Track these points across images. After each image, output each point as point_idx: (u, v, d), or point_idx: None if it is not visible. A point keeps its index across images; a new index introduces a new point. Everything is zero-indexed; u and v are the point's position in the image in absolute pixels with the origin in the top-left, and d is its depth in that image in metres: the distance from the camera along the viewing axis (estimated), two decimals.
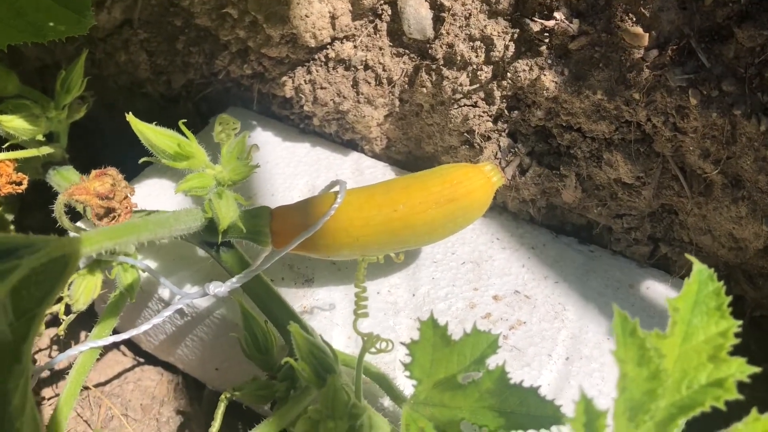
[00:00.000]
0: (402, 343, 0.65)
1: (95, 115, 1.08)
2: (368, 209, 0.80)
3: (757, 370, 0.46)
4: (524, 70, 0.89)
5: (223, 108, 1.23)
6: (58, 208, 0.74)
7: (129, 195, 0.77)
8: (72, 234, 0.83)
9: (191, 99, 1.24)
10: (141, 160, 0.79)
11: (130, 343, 1.11)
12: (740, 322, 0.49)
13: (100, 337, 0.83)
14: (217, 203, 0.76)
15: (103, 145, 1.31)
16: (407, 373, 0.63)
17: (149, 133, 0.77)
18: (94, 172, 0.76)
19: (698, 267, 0.53)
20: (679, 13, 0.80)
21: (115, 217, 0.75)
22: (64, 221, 0.76)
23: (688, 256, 0.54)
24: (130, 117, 0.76)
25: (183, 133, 0.79)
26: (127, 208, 0.77)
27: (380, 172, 1.10)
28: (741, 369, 0.46)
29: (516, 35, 0.90)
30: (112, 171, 0.77)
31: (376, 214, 0.79)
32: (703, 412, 0.47)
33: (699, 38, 0.80)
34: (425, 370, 0.62)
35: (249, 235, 0.81)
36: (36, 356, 1.08)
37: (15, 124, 0.91)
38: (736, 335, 0.48)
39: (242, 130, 1.17)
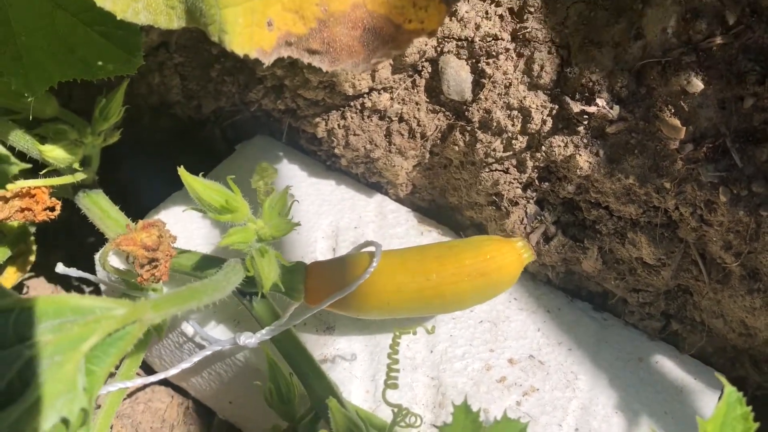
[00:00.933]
0: (434, 426, 0.67)
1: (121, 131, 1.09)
2: (401, 276, 0.82)
3: None
4: (559, 146, 0.92)
5: (250, 135, 1.24)
6: (103, 257, 0.76)
7: (172, 243, 0.79)
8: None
9: (219, 124, 1.25)
10: (184, 210, 0.81)
11: (143, 365, 1.13)
12: None
13: (128, 375, 0.85)
14: (260, 263, 0.77)
15: (125, 156, 1.32)
16: None
17: (197, 186, 0.78)
18: (141, 223, 0.78)
19: (729, 389, 0.55)
20: (718, 112, 0.83)
21: (157, 265, 0.77)
22: (107, 266, 0.78)
23: (717, 375, 0.57)
24: (181, 171, 0.78)
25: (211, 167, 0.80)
26: (168, 255, 0.79)
27: (403, 217, 1.12)
28: None
29: (555, 111, 0.92)
30: (159, 223, 0.78)
31: (409, 282, 0.82)
32: None
33: (734, 138, 0.82)
34: None
35: (286, 292, 0.83)
36: None
37: (55, 154, 0.92)
38: None
39: (268, 160, 1.19)
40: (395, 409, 0.73)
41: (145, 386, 1.12)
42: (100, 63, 0.85)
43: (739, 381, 1.01)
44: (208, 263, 0.88)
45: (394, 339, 0.76)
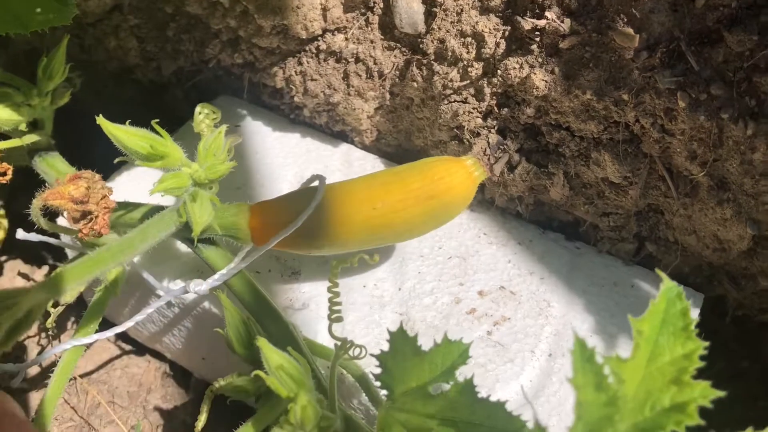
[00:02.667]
0: (372, 355, 0.65)
1: (84, 100, 1.07)
2: (347, 207, 0.79)
3: (720, 394, 0.46)
4: (515, 68, 0.89)
5: (213, 96, 1.22)
6: (34, 211, 0.74)
7: (107, 195, 0.77)
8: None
9: (181, 86, 1.24)
10: (116, 161, 0.79)
11: (121, 334, 1.11)
12: (706, 344, 0.49)
13: (86, 333, 0.83)
14: (191, 207, 0.75)
15: (92, 131, 1.30)
16: (378, 383, 0.63)
17: (120, 134, 0.76)
18: (68, 176, 0.75)
19: (667, 284, 0.52)
20: (670, 16, 0.79)
21: (92, 219, 0.75)
22: (41, 222, 0.76)
23: (658, 271, 0.54)
24: (100, 119, 0.75)
25: (174, 129, 0.79)
26: (105, 208, 0.76)
27: (370, 164, 1.09)
28: (704, 393, 0.46)
29: (507, 33, 0.89)
30: (87, 173, 0.76)
31: (356, 213, 0.79)
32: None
33: (689, 41, 0.79)
34: (397, 378, 0.62)
35: (226, 234, 0.81)
36: (25, 342, 1.09)
37: None
38: (702, 358, 0.48)
39: (232, 118, 1.17)
40: (338, 342, 0.70)
41: (121, 354, 1.11)
42: (33, 14, 0.83)
43: (719, 301, 0.98)
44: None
45: (332, 270, 0.74)
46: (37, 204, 0.72)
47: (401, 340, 0.61)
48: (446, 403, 0.58)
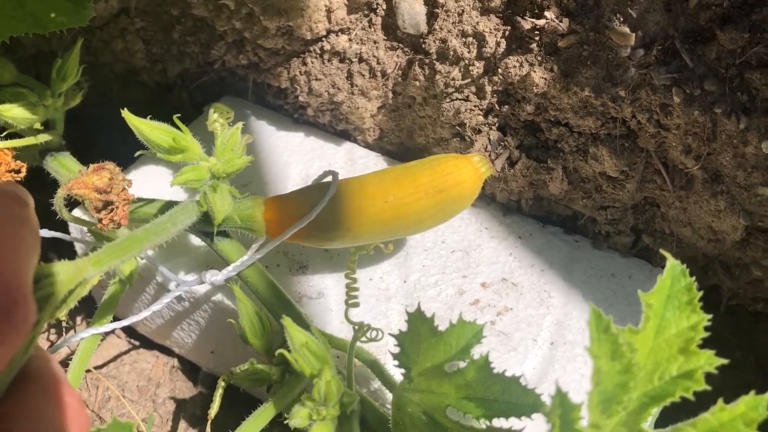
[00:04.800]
0: (391, 335, 0.68)
1: (90, 102, 1.10)
2: (360, 200, 0.82)
3: (724, 361, 0.49)
4: (515, 67, 0.92)
5: (218, 97, 1.24)
6: (58, 201, 0.77)
7: (126, 187, 0.79)
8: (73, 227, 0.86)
9: (186, 88, 1.26)
10: (137, 154, 0.81)
11: (125, 326, 1.13)
12: (710, 316, 0.52)
13: (100, 324, 0.85)
14: (212, 197, 0.78)
15: (98, 132, 1.32)
16: (396, 363, 0.66)
17: (144, 127, 0.79)
18: (92, 166, 0.78)
19: (671, 263, 0.55)
20: (665, 15, 0.83)
21: (113, 209, 0.77)
22: (64, 213, 0.78)
23: (662, 251, 0.57)
24: (125, 113, 0.78)
25: (177, 126, 0.81)
26: (125, 200, 0.79)
27: (372, 162, 1.12)
28: (709, 361, 0.49)
29: (507, 32, 0.92)
30: (110, 165, 0.78)
31: (369, 205, 0.82)
32: (675, 402, 0.50)
33: (683, 39, 0.83)
34: (413, 359, 0.65)
35: (243, 226, 0.83)
36: None
37: (13, 113, 0.92)
38: (706, 328, 0.51)
39: (237, 119, 1.19)
40: (356, 326, 0.73)
41: (130, 349, 1.13)
42: (50, 16, 0.85)
43: (713, 290, 1.02)
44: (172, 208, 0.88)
45: (351, 257, 0.76)
46: (61, 194, 0.75)
47: (419, 321, 0.64)
48: (462, 380, 0.61)
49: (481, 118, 0.98)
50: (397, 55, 1.03)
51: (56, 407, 0.44)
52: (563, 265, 0.98)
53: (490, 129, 0.99)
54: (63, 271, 0.54)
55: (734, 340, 1.04)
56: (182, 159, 0.80)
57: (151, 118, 0.81)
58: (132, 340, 1.13)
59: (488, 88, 0.96)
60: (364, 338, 0.73)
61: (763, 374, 1.04)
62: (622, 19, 0.85)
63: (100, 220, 0.78)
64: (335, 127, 1.15)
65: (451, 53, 0.96)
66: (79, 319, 1.14)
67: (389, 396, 0.80)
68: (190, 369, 1.11)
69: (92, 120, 1.29)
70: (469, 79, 0.96)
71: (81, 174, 0.76)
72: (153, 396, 1.06)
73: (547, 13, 0.87)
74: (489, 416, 0.59)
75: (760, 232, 0.90)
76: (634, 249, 1.00)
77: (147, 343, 1.13)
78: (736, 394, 0.50)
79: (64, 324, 1.11)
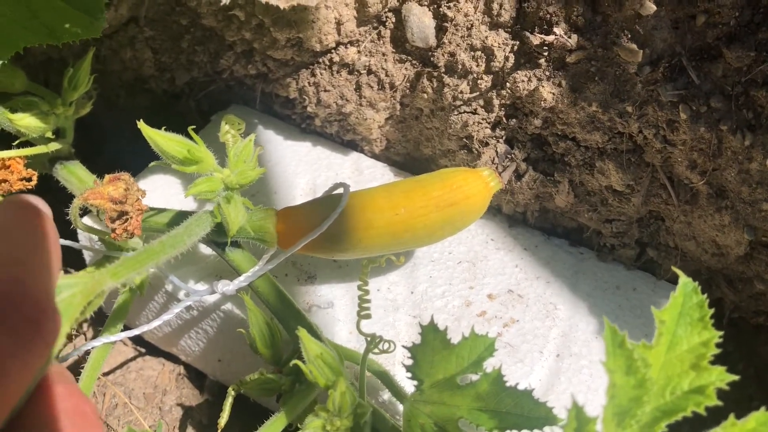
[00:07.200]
0: (404, 347, 0.69)
1: (97, 110, 1.11)
2: (370, 213, 0.83)
3: (735, 378, 0.51)
4: (523, 81, 0.93)
5: (225, 105, 1.25)
6: (73, 212, 0.77)
7: (140, 197, 0.80)
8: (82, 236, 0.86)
9: (193, 96, 1.27)
10: (151, 165, 0.82)
11: (134, 337, 1.14)
12: (721, 333, 0.53)
13: (111, 332, 0.86)
14: (227, 208, 0.79)
15: (104, 139, 1.33)
16: (409, 375, 0.67)
17: (159, 138, 0.79)
18: (107, 177, 0.79)
19: (684, 280, 0.56)
20: (672, 33, 0.84)
21: (127, 219, 0.78)
22: (78, 223, 0.79)
23: (674, 268, 0.58)
24: (141, 124, 0.79)
25: (189, 136, 0.82)
26: (139, 210, 0.80)
27: (379, 172, 1.13)
28: (720, 377, 0.50)
29: (516, 47, 0.93)
30: (126, 176, 0.79)
31: (379, 218, 0.83)
32: (686, 417, 0.51)
33: (690, 57, 0.84)
34: (426, 371, 0.66)
35: (256, 237, 0.84)
36: None
37: (26, 122, 0.93)
38: (717, 345, 0.52)
39: (244, 128, 1.21)
40: (369, 338, 0.74)
41: (136, 356, 1.13)
42: (64, 27, 0.86)
43: (716, 303, 1.03)
44: (183, 219, 0.89)
45: (363, 269, 0.77)
46: (77, 204, 0.75)
47: (432, 333, 0.65)
48: (474, 392, 0.62)
49: (488, 130, 1.00)
50: (406, 68, 1.04)
51: (71, 416, 0.44)
52: (569, 277, 0.99)
53: (498, 142, 1.00)
54: (82, 282, 0.55)
55: (736, 353, 1.05)
56: (196, 170, 0.80)
57: (165, 129, 0.82)
58: (138, 347, 1.13)
59: (496, 102, 0.97)
60: (375, 350, 0.74)
61: (763, 386, 1.05)
62: (630, 36, 0.86)
63: (113, 230, 0.79)
64: (342, 137, 1.16)
65: (460, 67, 0.97)
66: (85, 326, 1.14)
67: (398, 407, 0.81)
68: (196, 376, 1.11)
69: (99, 127, 1.30)
70: (478, 93, 0.98)
71: (96, 184, 0.77)
72: (159, 403, 1.07)
73: (556, 29, 0.89)
74: (501, 428, 0.60)
75: (764, 246, 0.92)
76: (639, 262, 1.01)
77: (153, 351, 1.13)
78: (737, 406, 0.51)
79: (72, 331, 1.12)
